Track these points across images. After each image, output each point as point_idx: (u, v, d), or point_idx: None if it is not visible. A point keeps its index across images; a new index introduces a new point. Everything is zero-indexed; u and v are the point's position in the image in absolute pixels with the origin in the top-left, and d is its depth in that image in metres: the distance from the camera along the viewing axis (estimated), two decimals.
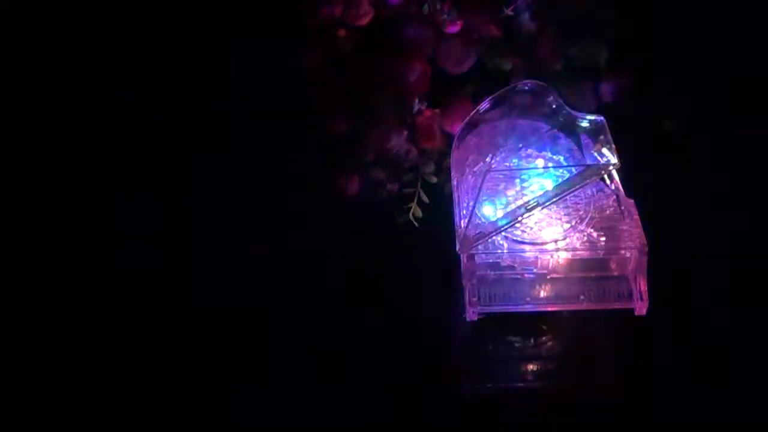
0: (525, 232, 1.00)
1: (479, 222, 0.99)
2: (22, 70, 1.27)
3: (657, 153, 1.15)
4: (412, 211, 1.11)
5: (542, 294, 1.01)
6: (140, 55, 1.28)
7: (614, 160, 0.97)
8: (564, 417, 0.93)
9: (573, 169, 1.00)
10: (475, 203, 0.99)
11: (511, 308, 1.00)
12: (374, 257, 1.08)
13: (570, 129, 1.04)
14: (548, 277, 1.00)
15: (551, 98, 1.04)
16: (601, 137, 1.00)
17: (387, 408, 0.94)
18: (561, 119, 1.04)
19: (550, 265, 0.99)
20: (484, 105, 1.06)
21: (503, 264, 1.00)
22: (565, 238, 1.00)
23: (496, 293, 1.00)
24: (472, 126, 1.07)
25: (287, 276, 1.06)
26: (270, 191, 1.16)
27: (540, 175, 1.03)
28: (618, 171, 0.99)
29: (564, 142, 1.05)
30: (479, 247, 0.98)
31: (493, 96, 1.05)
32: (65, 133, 1.23)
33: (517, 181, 1.04)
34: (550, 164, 1.05)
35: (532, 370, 0.99)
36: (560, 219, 1.01)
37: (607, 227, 1.00)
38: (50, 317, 1.03)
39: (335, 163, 1.14)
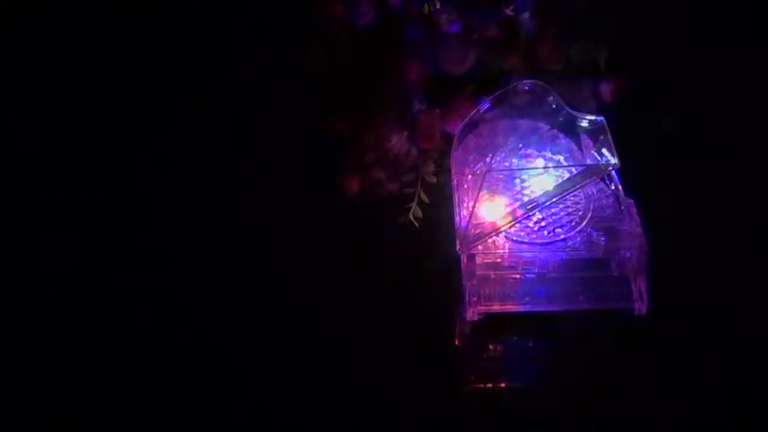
0: (525, 232, 1.00)
1: (479, 222, 0.99)
2: None
3: (657, 153, 1.15)
4: (412, 211, 1.11)
5: (542, 294, 1.00)
6: (140, 53, 1.28)
7: (614, 160, 0.97)
8: (564, 417, 0.93)
9: (573, 169, 1.00)
10: (475, 203, 0.99)
11: (511, 308, 1.00)
12: (374, 257, 1.08)
13: (570, 129, 1.04)
14: (548, 277, 1.00)
15: (551, 98, 1.04)
16: (601, 137, 1.00)
17: (387, 408, 0.94)
18: (561, 119, 1.04)
19: (550, 265, 0.99)
20: (484, 105, 1.06)
21: (503, 264, 1.00)
22: (565, 238, 1.00)
23: (496, 293, 1.00)
24: (472, 126, 1.07)
25: (286, 276, 1.06)
26: (270, 191, 1.16)
27: (540, 175, 1.03)
28: (618, 171, 0.99)
29: (564, 142, 1.05)
30: (479, 247, 0.98)
31: (493, 96, 1.06)
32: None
33: (517, 181, 1.04)
34: (550, 164, 1.05)
35: (532, 370, 0.99)
36: (560, 219, 1.01)
37: (607, 227, 1.00)
38: None
39: (335, 163, 1.14)
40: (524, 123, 1.07)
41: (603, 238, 0.99)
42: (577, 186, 0.97)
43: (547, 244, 1.00)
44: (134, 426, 0.94)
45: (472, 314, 0.99)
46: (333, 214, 1.12)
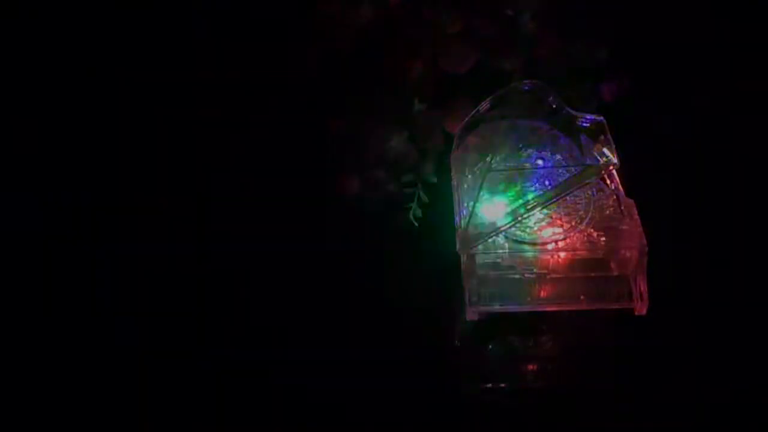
0: (525, 232, 1.00)
1: (479, 222, 0.99)
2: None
3: (657, 153, 1.15)
4: (412, 211, 1.11)
5: (542, 294, 1.01)
6: (139, 53, 1.28)
7: (614, 160, 0.97)
8: (564, 417, 0.93)
9: (573, 169, 1.00)
10: (475, 203, 0.99)
11: (511, 308, 1.00)
12: (374, 257, 1.08)
13: (570, 129, 1.04)
14: (548, 277, 1.00)
15: (551, 98, 1.04)
16: (601, 137, 0.99)
17: (387, 408, 0.94)
18: (561, 119, 1.04)
19: (550, 265, 0.99)
20: (484, 105, 1.06)
21: (503, 264, 1.00)
22: (565, 238, 1.00)
23: (496, 293, 1.00)
24: (472, 126, 1.07)
25: (286, 276, 1.06)
26: (269, 191, 1.16)
27: (540, 175, 1.03)
28: (618, 171, 0.99)
29: (564, 142, 1.05)
30: (479, 247, 0.98)
31: (493, 96, 1.05)
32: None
33: (517, 181, 1.04)
34: (550, 164, 1.05)
35: (532, 370, 0.99)
36: (560, 219, 1.01)
37: (607, 227, 1.00)
38: None
39: (335, 163, 1.14)
40: (524, 123, 1.06)
41: (603, 238, 0.99)
42: (577, 186, 0.97)
43: (547, 244, 1.00)
44: (134, 426, 0.94)
45: (472, 314, 0.99)
46: (333, 214, 1.12)
